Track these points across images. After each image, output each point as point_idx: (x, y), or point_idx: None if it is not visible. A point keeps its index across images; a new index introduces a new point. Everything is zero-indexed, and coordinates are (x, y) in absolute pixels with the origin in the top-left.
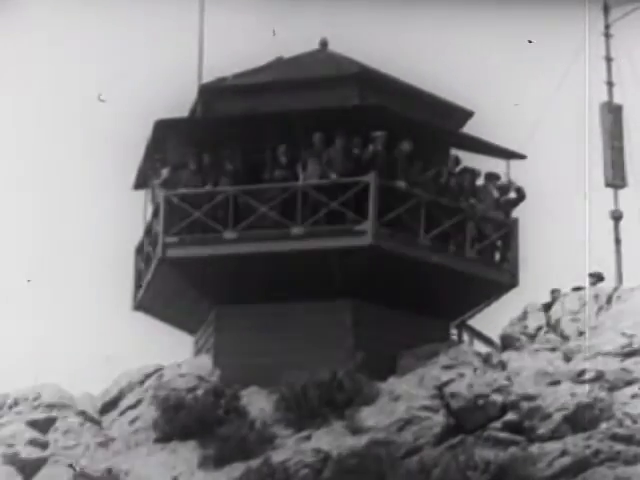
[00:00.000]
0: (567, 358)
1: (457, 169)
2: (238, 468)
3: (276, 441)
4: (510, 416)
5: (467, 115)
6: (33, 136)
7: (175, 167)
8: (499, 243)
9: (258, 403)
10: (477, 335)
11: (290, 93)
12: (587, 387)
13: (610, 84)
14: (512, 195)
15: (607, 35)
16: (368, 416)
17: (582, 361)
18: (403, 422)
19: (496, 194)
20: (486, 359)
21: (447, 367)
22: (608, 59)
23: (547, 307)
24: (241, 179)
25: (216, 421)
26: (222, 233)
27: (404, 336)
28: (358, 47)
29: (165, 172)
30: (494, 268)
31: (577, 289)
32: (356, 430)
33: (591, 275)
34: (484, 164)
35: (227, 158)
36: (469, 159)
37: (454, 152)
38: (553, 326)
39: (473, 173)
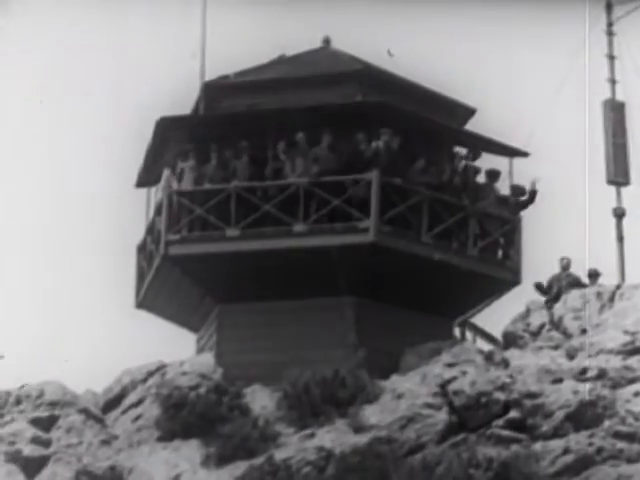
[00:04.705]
0: (570, 356)
1: (463, 164)
2: (241, 466)
3: (279, 439)
4: (513, 414)
5: (470, 112)
6: (33, 135)
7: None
8: (502, 240)
9: (261, 401)
10: (480, 333)
11: (293, 91)
12: (590, 385)
13: (613, 82)
14: (524, 197)
15: (610, 33)
16: (371, 414)
17: (585, 359)
18: (406, 420)
19: (507, 193)
20: (489, 357)
21: (450, 365)
22: (611, 57)
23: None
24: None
25: (219, 419)
26: (224, 230)
27: (407, 334)
28: (361, 45)
29: (167, 173)
30: (497, 266)
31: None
32: (359, 428)
33: (589, 275)
34: (487, 162)
35: (240, 155)
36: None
37: (464, 148)
38: (556, 324)
39: (474, 170)
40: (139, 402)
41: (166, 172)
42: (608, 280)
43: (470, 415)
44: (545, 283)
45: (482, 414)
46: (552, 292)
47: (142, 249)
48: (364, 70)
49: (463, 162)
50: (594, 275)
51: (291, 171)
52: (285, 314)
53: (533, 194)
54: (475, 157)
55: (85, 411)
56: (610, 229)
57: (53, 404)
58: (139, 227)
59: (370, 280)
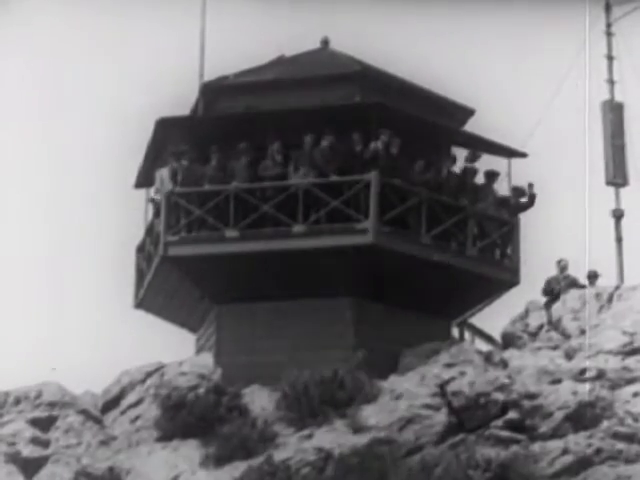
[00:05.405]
0: (568, 356)
1: (455, 167)
2: (240, 467)
3: (278, 440)
4: (511, 414)
5: (468, 113)
6: (33, 135)
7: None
8: (500, 241)
9: (260, 401)
10: (478, 333)
11: (292, 91)
12: (588, 385)
13: (611, 82)
14: (524, 199)
15: (608, 34)
16: (370, 415)
17: (583, 359)
18: (405, 421)
19: (506, 193)
20: (487, 357)
21: (448, 365)
22: (609, 57)
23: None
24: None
25: (218, 420)
26: (223, 231)
27: (405, 334)
28: (360, 46)
29: (164, 172)
30: (495, 266)
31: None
32: (358, 429)
33: (589, 277)
34: (485, 163)
35: (239, 156)
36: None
37: (463, 149)
38: (554, 324)
39: (473, 171)
40: (138, 403)
41: (160, 172)
42: (607, 281)
43: (469, 416)
44: (543, 285)
45: (481, 415)
46: (554, 293)
47: (141, 250)
48: (363, 71)
49: (462, 164)
50: (593, 276)
51: (294, 173)
52: (284, 315)
53: (532, 197)
54: (474, 159)
55: (84, 412)
56: (609, 230)
57: (52, 405)
58: (138, 228)
59: (369, 281)
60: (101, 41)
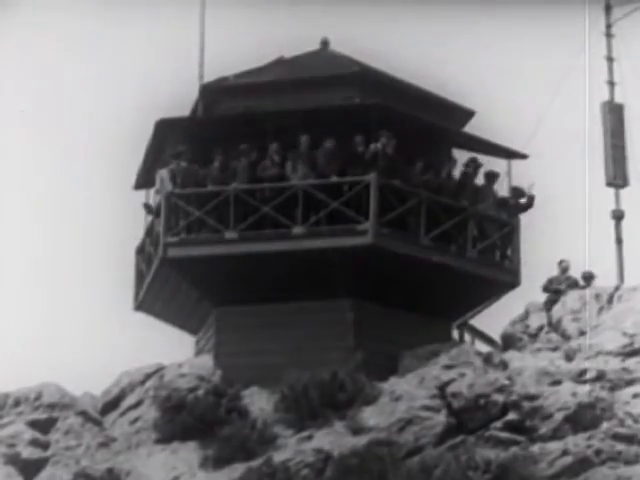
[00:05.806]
0: (568, 358)
1: (455, 169)
2: (239, 468)
3: (277, 441)
4: (511, 416)
5: (468, 114)
6: (33, 136)
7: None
8: (500, 243)
9: (259, 403)
10: (478, 335)
11: (291, 93)
12: (588, 387)
13: (611, 84)
14: (523, 200)
15: (608, 35)
16: (369, 416)
17: (583, 361)
18: (404, 422)
19: (507, 194)
20: (487, 359)
21: (448, 367)
22: (609, 59)
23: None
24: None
25: (217, 421)
26: (223, 233)
27: (405, 336)
28: (359, 47)
29: (164, 173)
30: (495, 267)
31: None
32: (357, 430)
33: (584, 278)
34: (485, 164)
35: (239, 157)
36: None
37: (453, 154)
38: (554, 326)
39: (473, 172)
40: (137, 404)
41: (160, 174)
42: (607, 282)
43: (468, 417)
44: (543, 284)
45: (480, 416)
46: (554, 292)
47: (141, 251)
48: (362, 72)
49: (463, 169)
50: (589, 277)
51: (292, 173)
52: (284, 316)
53: (531, 199)
54: (476, 167)
55: (83, 413)
56: (609, 231)
57: (51, 406)
58: (138, 229)
59: (369, 282)
60: (101, 42)
